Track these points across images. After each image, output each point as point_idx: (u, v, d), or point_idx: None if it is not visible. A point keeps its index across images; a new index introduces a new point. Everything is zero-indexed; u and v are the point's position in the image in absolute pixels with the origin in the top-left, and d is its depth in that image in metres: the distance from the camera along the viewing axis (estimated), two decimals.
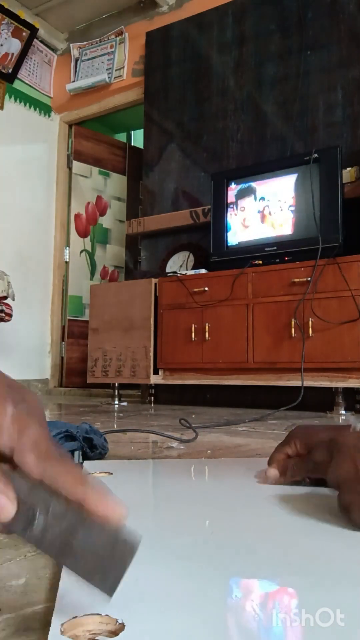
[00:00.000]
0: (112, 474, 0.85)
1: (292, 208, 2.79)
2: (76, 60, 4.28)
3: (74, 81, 4.24)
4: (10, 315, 3.42)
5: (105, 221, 4.58)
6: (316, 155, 2.69)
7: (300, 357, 2.53)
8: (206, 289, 2.91)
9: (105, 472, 0.86)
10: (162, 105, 3.68)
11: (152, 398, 3.34)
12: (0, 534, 0.31)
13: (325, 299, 2.55)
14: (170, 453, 1.18)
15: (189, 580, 0.42)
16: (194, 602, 0.37)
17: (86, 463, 0.96)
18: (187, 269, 3.26)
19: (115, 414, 2.41)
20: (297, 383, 2.51)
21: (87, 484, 0.31)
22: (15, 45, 3.98)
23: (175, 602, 0.38)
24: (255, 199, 2.92)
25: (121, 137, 5.14)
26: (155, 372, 3.07)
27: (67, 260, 4.39)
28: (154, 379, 3.06)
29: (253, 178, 2.94)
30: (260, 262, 2.79)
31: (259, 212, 2.90)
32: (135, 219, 3.70)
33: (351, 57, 2.98)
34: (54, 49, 4.40)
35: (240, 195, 2.96)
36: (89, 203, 4.49)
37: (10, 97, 4.08)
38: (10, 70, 4.00)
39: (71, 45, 4.30)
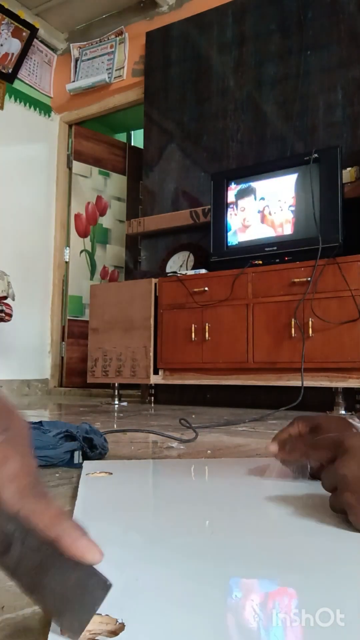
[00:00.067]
0: (112, 474, 0.85)
1: (292, 208, 2.79)
2: (76, 60, 4.28)
3: (74, 81, 4.24)
4: (10, 315, 3.42)
5: (105, 221, 4.58)
6: (316, 155, 2.69)
7: (300, 357, 2.52)
8: (206, 289, 2.91)
9: (105, 472, 0.86)
10: (162, 105, 3.68)
11: (152, 398, 3.34)
12: None
13: (325, 299, 2.55)
14: (170, 453, 1.18)
15: (189, 580, 0.42)
16: (194, 602, 0.37)
17: (86, 463, 0.96)
18: (187, 269, 3.26)
19: (115, 414, 2.41)
20: (297, 383, 2.51)
21: (63, 525, 0.30)
22: (15, 45, 3.98)
23: (175, 602, 0.38)
24: (255, 199, 2.92)
25: (121, 137, 5.14)
26: (155, 372, 3.07)
27: (67, 260, 4.39)
28: (154, 379, 3.06)
29: (253, 178, 2.94)
30: (260, 262, 2.79)
31: (259, 212, 2.90)
32: (135, 219, 3.70)
33: (351, 57, 2.98)
34: (54, 49, 4.40)
35: (240, 195, 2.96)
36: (89, 203, 4.49)
37: (10, 97, 4.08)
38: (10, 70, 4.00)
39: (71, 45, 4.30)
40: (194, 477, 0.91)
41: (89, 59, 4.20)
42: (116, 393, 3.25)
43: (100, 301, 3.32)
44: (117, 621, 0.33)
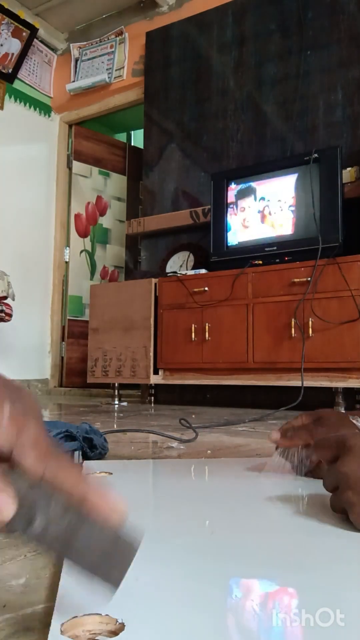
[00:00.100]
0: (112, 474, 0.85)
1: (292, 208, 2.79)
2: (76, 60, 4.28)
3: (74, 81, 4.24)
4: (10, 315, 3.42)
5: (105, 221, 4.58)
6: (316, 155, 2.69)
7: (300, 357, 2.52)
8: (206, 289, 2.91)
9: (105, 472, 0.86)
10: (162, 105, 3.68)
11: (152, 398, 3.33)
12: (1, 533, 0.31)
13: (325, 299, 2.55)
14: (170, 453, 1.18)
15: (189, 580, 0.42)
16: (194, 602, 0.37)
17: (86, 463, 0.96)
18: (187, 269, 3.26)
19: (115, 414, 2.41)
20: (297, 383, 2.51)
21: (88, 482, 0.31)
22: (15, 45, 3.98)
23: (175, 602, 0.38)
24: (255, 199, 2.92)
25: (121, 137, 5.14)
26: (155, 372, 3.07)
27: (67, 260, 4.39)
28: (154, 379, 3.06)
29: (253, 178, 2.94)
30: (260, 262, 2.79)
31: (259, 212, 2.90)
32: (135, 219, 3.70)
33: (351, 57, 2.98)
34: (54, 49, 4.40)
35: (240, 195, 2.96)
36: (89, 203, 4.49)
37: (10, 97, 4.08)
38: (10, 70, 4.00)
39: (71, 45, 4.30)
40: (194, 477, 0.91)
41: (89, 59, 4.20)
42: (116, 393, 3.25)
43: (100, 301, 3.32)
44: (117, 621, 0.33)
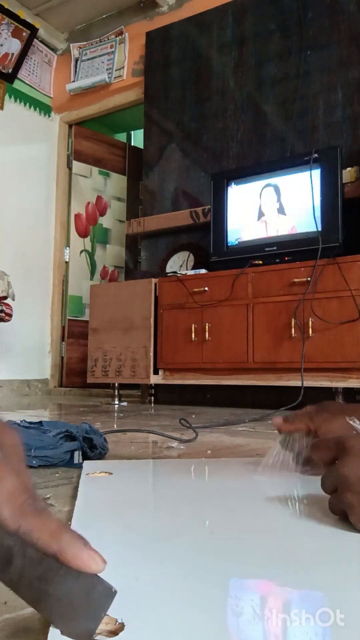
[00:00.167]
0: (112, 474, 0.85)
1: (292, 208, 2.79)
2: (76, 60, 4.28)
3: (74, 81, 4.24)
4: (10, 315, 3.42)
5: (105, 221, 4.58)
6: (316, 155, 2.69)
7: (300, 357, 2.52)
8: (206, 289, 2.91)
9: (105, 472, 0.86)
10: (162, 105, 3.68)
11: (152, 398, 3.33)
12: None
13: (325, 299, 2.55)
14: (170, 453, 1.18)
15: (189, 580, 0.42)
16: (194, 602, 0.37)
17: (86, 463, 0.96)
18: (187, 269, 3.26)
19: (115, 414, 2.41)
20: (297, 383, 2.51)
21: (64, 538, 0.30)
22: (15, 45, 3.98)
23: (175, 602, 0.38)
24: (255, 199, 2.92)
25: (121, 137, 5.14)
26: (155, 372, 3.07)
27: (67, 260, 4.39)
28: (154, 379, 3.06)
29: (253, 178, 2.94)
30: (260, 262, 2.79)
31: (259, 212, 2.90)
32: (135, 219, 3.70)
33: (351, 57, 2.98)
34: (54, 49, 4.40)
35: (240, 195, 2.96)
36: (89, 203, 4.49)
37: (10, 97, 4.08)
38: (10, 70, 4.00)
39: (71, 45, 4.30)
40: (194, 477, 0.91)
41: (89, 59, 4.20)
42: (116, 393, 3.25)
43: (100, 301, 3.32)
44: (117, 621, 0.33)
